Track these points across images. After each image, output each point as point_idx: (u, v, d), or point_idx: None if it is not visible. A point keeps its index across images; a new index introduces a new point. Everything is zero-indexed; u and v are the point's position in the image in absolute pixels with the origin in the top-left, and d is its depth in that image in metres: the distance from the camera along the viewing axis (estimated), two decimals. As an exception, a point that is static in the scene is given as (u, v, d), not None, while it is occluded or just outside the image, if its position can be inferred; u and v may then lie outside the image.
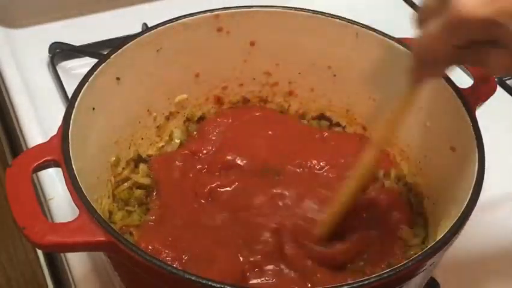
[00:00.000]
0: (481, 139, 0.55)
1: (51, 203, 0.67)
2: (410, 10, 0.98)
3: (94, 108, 0.59)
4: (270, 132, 0.70)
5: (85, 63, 0.83)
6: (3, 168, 0.91)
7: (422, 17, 0.49)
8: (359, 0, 0.96)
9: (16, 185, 0.50)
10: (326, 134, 0.70)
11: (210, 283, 0.44)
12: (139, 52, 0.64)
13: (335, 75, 0.71)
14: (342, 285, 0.44)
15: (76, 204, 0.49)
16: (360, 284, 0.45)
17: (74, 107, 0.56)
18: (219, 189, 0.64)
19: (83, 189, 0.49)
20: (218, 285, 0.44)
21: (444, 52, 0.48)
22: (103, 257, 0.54)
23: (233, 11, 0.67)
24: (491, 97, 0.61)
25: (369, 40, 0.66)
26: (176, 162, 0.66)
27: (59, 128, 0.54)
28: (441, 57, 0.49)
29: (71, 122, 0.54)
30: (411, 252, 0.60)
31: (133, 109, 0.66)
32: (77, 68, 0.85)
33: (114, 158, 0.64)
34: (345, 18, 0.67)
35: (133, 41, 0.63)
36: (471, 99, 0.58)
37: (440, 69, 0.52)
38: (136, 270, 0.47)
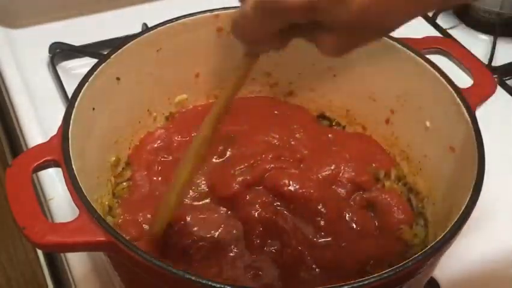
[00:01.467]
0: (481, 139, 0.55)
1: (51, 203, 0.67)
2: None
3: (94, 108, 0.59)
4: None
5: (85, 63, 0.83)
6: (3, 168, 0.91)
7: None
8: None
9: (16, 185, 0.50)
10: (330, 135, 0.71)
11: (210, 283, 0.44)
12: (139, 52, 0.64)
13: (335, 75, 0.71)
14: (343, 286, 0.44)
15: (76, 204, 0.49)
16: (361, 284, 0.44)
17: (74, 107, 0.56)
18: None
19: (83, 189, 0.49)
20: (218, 285, 0.44)
21: (262, 35, 0.43)
22: (103, 257, 0.54)
23: (233, 11, 0.67)
24: (491, 97, 0.61)
25: (369, 40, 0.66)
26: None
27: (59, 128, 0.54)
28: (261, 39, 0.44)
29: (71, 122, 0.54)
30: (411, 252, 0.60)
31: (133, 109, 0.66)
32: (77, 68, 0.85)
33: (114, 158, 0.64)
34: (345, 18, 0.67)
35: (133, 41, 0.63)
36: (471, 99, 0.58)
37: (267, 46, 0.46)
38: (136, 270, 0.47)
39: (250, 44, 0.47)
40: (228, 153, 0.67)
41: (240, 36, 0.45)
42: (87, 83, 0.58)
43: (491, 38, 0.92)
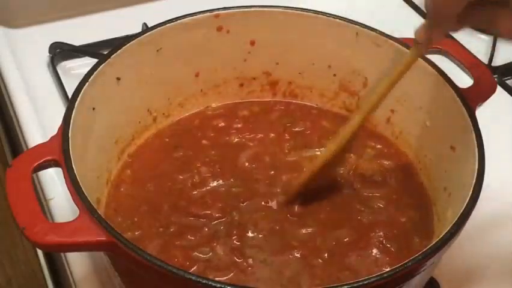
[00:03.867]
0: (481, 139, 0.55)
1: (51, 203, 0.67)
2: (410, 10, 0.98)
3: (94, 108, 0.59)
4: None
5: (85, 63, 0.83)
6: (3, 168, 0.91)
7: None
8: (359, 0, 0.96)
9: (16, 185, 0.50)
10: None
11: (210, 283, 0.44)
12: (139, 52, 0.64)
13: (334, 75, 0.71)
14: (343, 285, 0.44)
15: (76, 204, 0.49)
16: (360, 283, 0.45)
17: (74, 107, 0.55)
18: None
19: (83, 189, 0.49)
20: (218, 285, 0.44)
21: (457, 8, 0.48)
22: (103, 257, 0.54)
23: (233, 10, 0.67)
24: (491, 97, 0.61)
25: (369, 40, 0.66)
26: None
27: (59, 128, 0.54)
28: (453, 14, 0.49)
29: (71, 122, 0.54)
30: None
31: (133, 109, 0.66)
32: (77, 68, 0.85)
33: (114, 158, 0.64)
34: (345, 18, 0.67)
35: (133, 41, 0.63)
36: (471, 99, 0.58)
37: (449, 28, 0.53)
38: (136, 270, 0.47)
39: (441, 21, 0.51)
40: None
41: (437, 11, 0.50)
42: (87, 83, 0.58)
43: (491, 38, 0.92)
